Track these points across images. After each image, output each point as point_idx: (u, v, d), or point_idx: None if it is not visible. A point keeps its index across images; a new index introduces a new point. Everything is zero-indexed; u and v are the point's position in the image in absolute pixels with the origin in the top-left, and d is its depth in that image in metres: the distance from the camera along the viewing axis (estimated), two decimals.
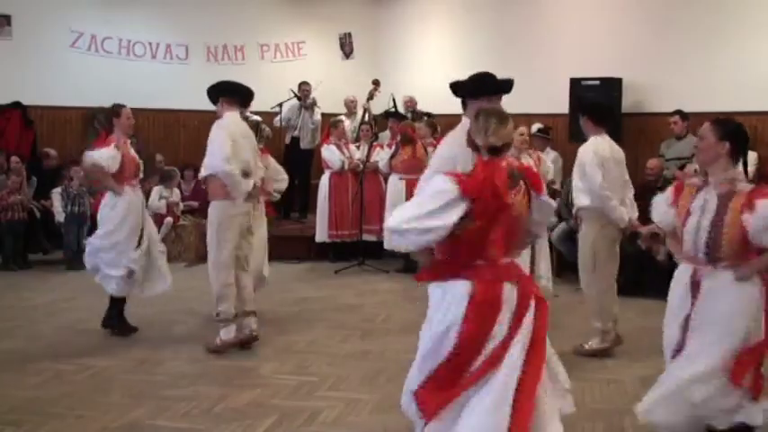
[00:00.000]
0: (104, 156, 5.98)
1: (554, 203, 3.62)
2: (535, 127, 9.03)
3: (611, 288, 5.73)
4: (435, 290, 3.22)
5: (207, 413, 4.57)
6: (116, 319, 6.23)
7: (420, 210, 3.06)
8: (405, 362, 5.33)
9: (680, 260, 3.78)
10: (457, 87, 4.09)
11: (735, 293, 3.52)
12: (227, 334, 5.76)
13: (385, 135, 10.09)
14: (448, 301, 3.12)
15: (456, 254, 3.14)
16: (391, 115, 9.99)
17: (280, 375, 5.27)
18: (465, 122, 4.14)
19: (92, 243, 6.20)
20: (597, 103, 6.86)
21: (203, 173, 5.86)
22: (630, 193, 5.83)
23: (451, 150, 3.82)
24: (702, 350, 3.54)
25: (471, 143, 3.24)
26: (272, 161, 7.12)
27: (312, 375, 5.26)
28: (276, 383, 5.10)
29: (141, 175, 6.43)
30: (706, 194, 3.61)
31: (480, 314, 3.06)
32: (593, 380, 5.18)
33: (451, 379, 3.11)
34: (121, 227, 6.06)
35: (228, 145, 5.62)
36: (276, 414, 4.54)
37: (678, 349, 3.66)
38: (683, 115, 8.56)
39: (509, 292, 3.13)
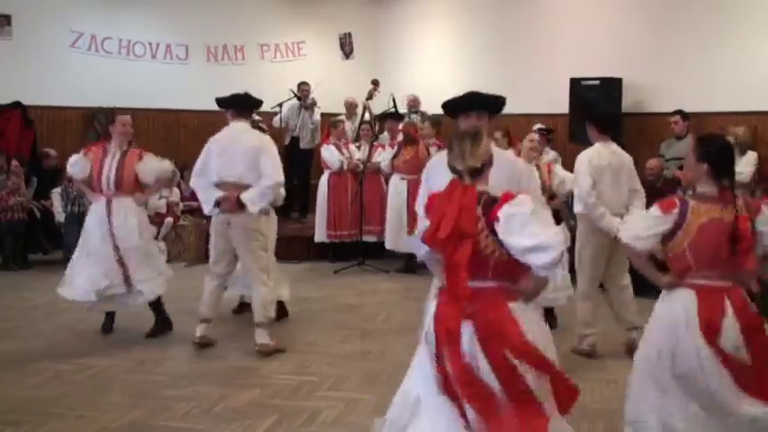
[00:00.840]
0: (70, 161, 6.22)
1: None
2: (536, 127, 9.03)
3: (589, 297, 5.76)
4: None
5: (207, 413, 4.57)
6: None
7: None
8: (405, 362, 5.33)
9: (669, 286, 3.55)
10: (447, 105, 4.13)
11: None
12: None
13: (385, 136, 10.09)
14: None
15: None
16: (389, 116, 9.97)
17: (280, 375, 5.27)
18: None
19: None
20: (603, 110, 6.87)
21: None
22: (638, 201, 5.75)
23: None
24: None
25: (453, 169, 3.17)
26: None
27: (312, 375, 5.27)
28: (276, 383, 5.10)
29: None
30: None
31: None
32: (593, 380, 5.18)
33: None
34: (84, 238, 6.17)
35: (202, 159, 5.82)
36: (276, 414, 4.54)
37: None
38: (683, 115, 8.56)
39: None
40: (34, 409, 4.57)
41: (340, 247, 9.57)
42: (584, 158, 5.66)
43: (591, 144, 5.81)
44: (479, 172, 3.12)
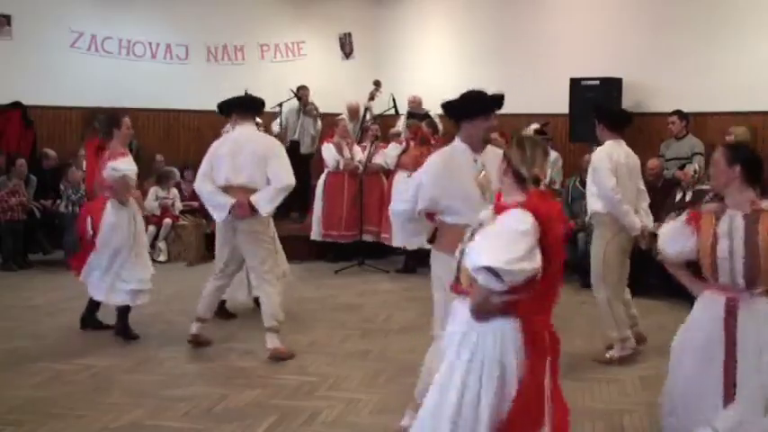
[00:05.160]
0: (132, 167, 6.01)
1: None
2: (532, 127, 9.01)
3: (617, 296, 5.69)
4: None
5: (207, 413, 4.57)
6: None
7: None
8: (405, 362, 5.34)
9: (699, 291, 3.62)
10: (450, 108, 4.07)
11: None
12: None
13: (397, 131, 10.07)
14: None
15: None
16: (411, 116, 9.89)
17: (280, 375, 5.27)
18: (455, 144, 4.14)
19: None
20: (613, 109, 6.83)
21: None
22: (645, 203, 5.79)
23: (429, 164, 4.05)
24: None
25: (514, 172, 3.07)
26: None
27: (312, 375, 5.26)
28: (276, 383, 5.10)
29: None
30: (730, 218, 3.48)
31: None
32: (594, 380, 5.18)
33: None
34: (128, 236, 6.05)
35: (208, 162, 5.71)
36: (276, 414, 4.54)
37: (728, 393, 3.43)
38: (681, 115, 8.54)
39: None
40: (34, 409, 4.57)
41: (341, 246, 9.57)
42: (604, 156, 5.57)
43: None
44: (539, 183, 3.06)
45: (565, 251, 3.02)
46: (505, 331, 2.93)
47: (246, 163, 5.64)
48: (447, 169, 4.01)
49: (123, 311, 6.11)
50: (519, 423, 2.89)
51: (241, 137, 5.77)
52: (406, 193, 4.18)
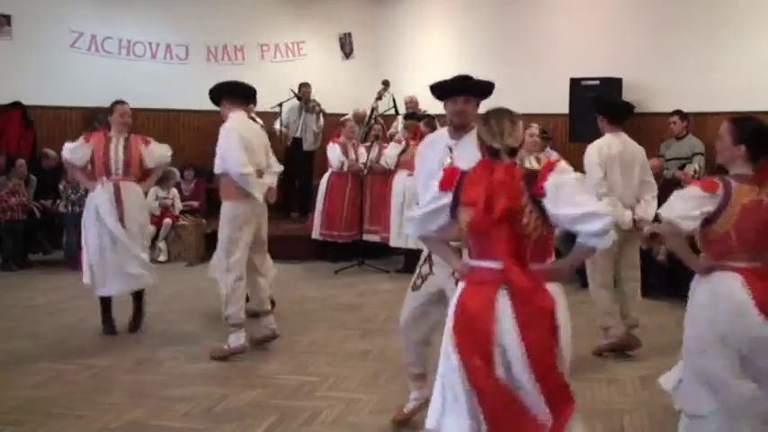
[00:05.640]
0: (68, 147, 6.19)
1: None
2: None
3: (604, 286, 5.72)
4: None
5: (207, 413, 4.57)
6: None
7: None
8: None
9: (707, 271, 3.46)
10: (434, 89, 4.12)
11: None
12: (237, 341, 5.59)
13: (398, 131, 10.07)
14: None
15: None
16: (409, 117, 9.90)
17: (280, 375, 5.27)
18: (441, 130, 4.24)
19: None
20: (613, 101, 6.81)
21: (217, 170, 5.73)
22: (649, 194, 5.73)
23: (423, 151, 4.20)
24: None
25: (488, 149, 3.08)
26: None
27: (312, 375, 5.26)
28: (276, 383, 5.10)
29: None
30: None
31: None
32: (594, 380, 5.18)
33: None
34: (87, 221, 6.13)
35: (241, 148, 5.56)
36: (276, 414, 4.54)
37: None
38: (681, 115, 8.55)
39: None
40: (34, 409, 4.57)
41: (341, 246, 9.56)
42: (594, 149, 5.61)
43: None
44: (515, 152, 3.07)
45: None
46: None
47: (258, 148, 5.79)
48: (422, 152, 4.21)
49: (137, 303, 6.24)
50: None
51: (246, 123, 5.86)
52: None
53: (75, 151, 6.16)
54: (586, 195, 2.97)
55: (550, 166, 2.98)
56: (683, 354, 3.55)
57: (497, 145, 3.03)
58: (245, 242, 5.63)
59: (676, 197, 3.44)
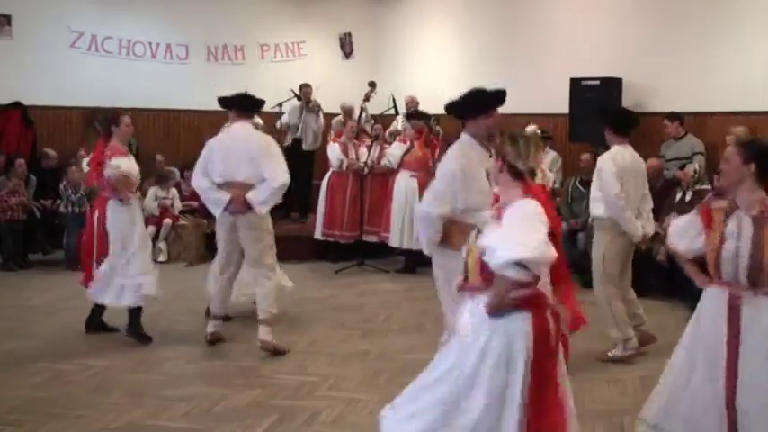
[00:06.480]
0: (133, 165, 6.05)
1: None
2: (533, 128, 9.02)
3: (618, 296, 5.71)
4: None
5: (207, 413, 4.57)
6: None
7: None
8: (405, 362, 5.35)
9: (704, 285, 3.62)
10: (453, 108, 4.13)
11: None
12: (213, 328, 5.95)
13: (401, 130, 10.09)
14: None
15: None
16: (411, 116, 9.91)
17: (280, 375, 5.27)
18: (464, 139, 4.25)
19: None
20: (618, 111, 6.79)
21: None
22: (648, 206, 5.80)
23: (451, 166, 4.14)
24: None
25: (510, 167, 3.15)
26: None
27: (312, 375, 5.27)
28: (276, 383, 5.10)
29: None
30: (738, 218, 3.46)
31: None
32: (593, 380, 5.18)
33: None
34: (132, 235, 6.01)
35: (202, 159, 5.80)
36: (276, 414, 4.54)
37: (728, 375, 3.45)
38: (672, 117, 8.51)
39: None
40: (34, 409, 4.57)
41: (342, 246, 9.56)
42: (609, 160, 5.57)
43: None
44: (535, 175, 3.20)
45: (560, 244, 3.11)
46: (517, 325, 3.01)
47: (241, 160, 5.73)
48: (466, 171, 4.16)
49: (135, 313, 6.08)
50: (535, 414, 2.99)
51: (237, 135, 5.86)
52: (438, 198, 4.26)
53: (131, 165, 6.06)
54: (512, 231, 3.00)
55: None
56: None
57: (522, 166, 3.12)
58: (226, 251, 5.90)
59: (681, 225, 3.69)
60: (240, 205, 5.68)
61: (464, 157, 4.27)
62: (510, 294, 2.96)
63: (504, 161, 3.16)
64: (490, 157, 3.96)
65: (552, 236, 3.02)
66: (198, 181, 5.87)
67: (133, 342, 6.00)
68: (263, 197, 5.71)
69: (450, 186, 4.23)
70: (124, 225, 5.93)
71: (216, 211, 5.81)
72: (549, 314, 3.08)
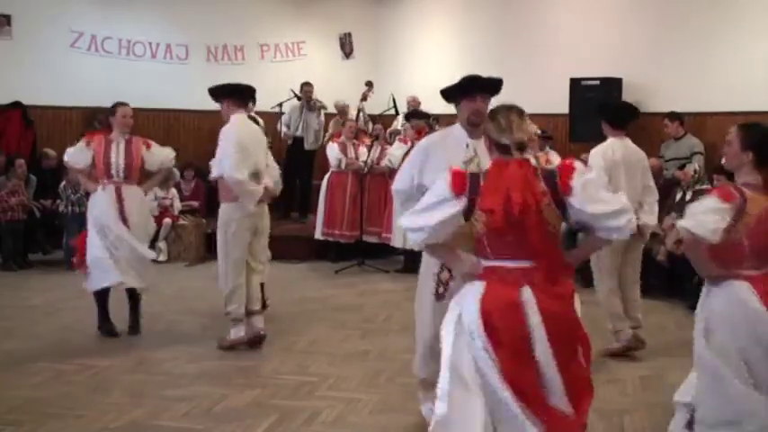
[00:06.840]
0: (70, 151, 6.24)
1: None
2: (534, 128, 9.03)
3: (614, 291, 5.73)
4: None
5: (207, 413, 4.57)
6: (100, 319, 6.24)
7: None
8: (405, 362, 5.34)
9: (714, 278, 3.48)
10: (443, 93, 4.14)
11: None
12: (237, 333, 5.79)
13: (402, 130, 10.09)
14: None
15: None
16: (412, 116, 9.91)
17: (280, 375, 5.27)
18: (454, 127, 4.24)
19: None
20: (615, 105, 6.80)
21: (214, 174, 5.84)
22: (651, 198, 5.78)
23: (421, 141, 4.27)
24: None
25: (496, 145, 3.05)
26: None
27: (312, 375, 5.26)
28: (276, 383, 5.10)
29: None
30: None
31: None
32: (594, 380, 5.16)
33: None
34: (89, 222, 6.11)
35: (238, 152, 5.60)
36: (276, 414, 4.54)
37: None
38: (672, 117, 8.52)
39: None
40: (34, 409, 4.57)
41: (342, 246, 9.56)
42: (598, 154, 5.62)
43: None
44: (525, 147, 3.02)
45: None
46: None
47: (259, 149, 5.88)
48: (430, 149, 4.12)
49: (134, 305, 6.20)
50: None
51: (248, 124, 5.94)
52: (403, 173, 4.26)
53: (76, 155, 6.17)
54: (609, 192, 3.04)
55: (571, 165, 2.99)
56: (695, 366, 3.56)
57: (506, 140, 3.00)
58: (242, 242, 5.76)
59: (703, 210, 3.37)
60: (270, 194, 5.94)
61: (440, 135, 4.33)
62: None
63: (489, 138, 3.08)
64: (467, 146, 3.97)
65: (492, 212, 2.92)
66: (240, 173, 5.60)
67: (133, 342, 6.00)
68: (275, 182, 6.01)
69: (414, 159, 4.19)
70: (99, 211, 6.00)
71: (250, 204, 5.69)
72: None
